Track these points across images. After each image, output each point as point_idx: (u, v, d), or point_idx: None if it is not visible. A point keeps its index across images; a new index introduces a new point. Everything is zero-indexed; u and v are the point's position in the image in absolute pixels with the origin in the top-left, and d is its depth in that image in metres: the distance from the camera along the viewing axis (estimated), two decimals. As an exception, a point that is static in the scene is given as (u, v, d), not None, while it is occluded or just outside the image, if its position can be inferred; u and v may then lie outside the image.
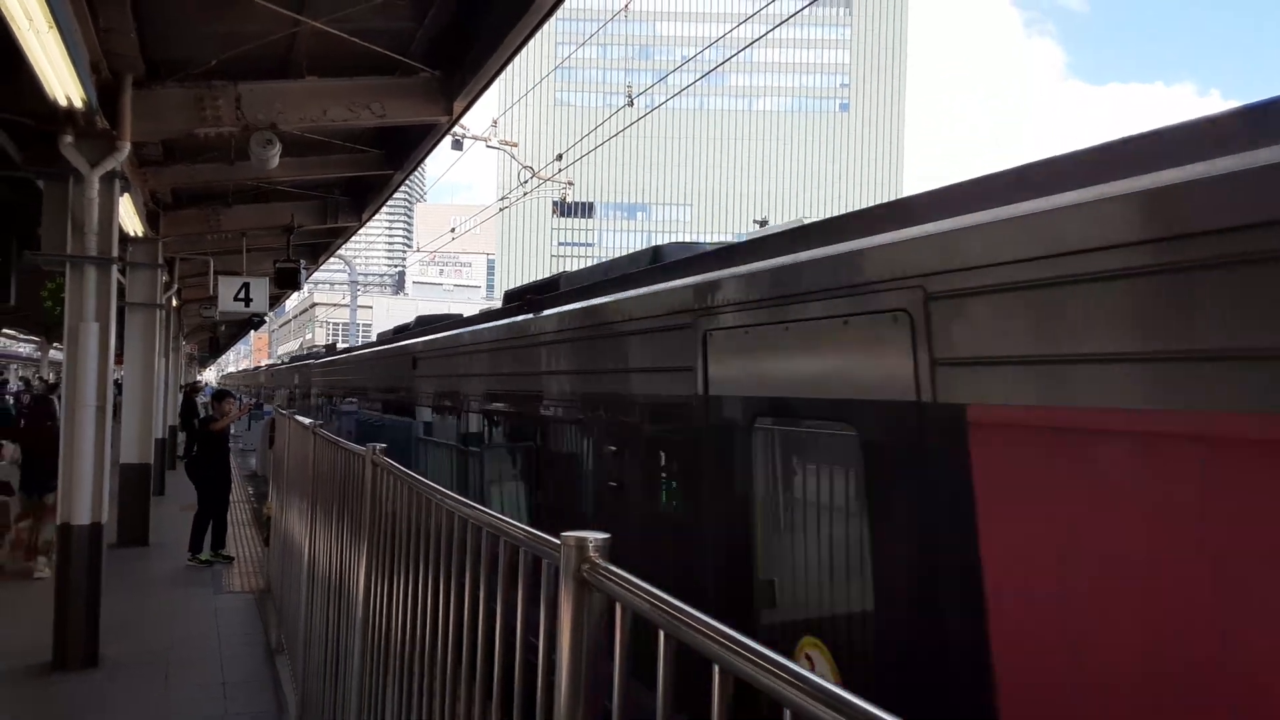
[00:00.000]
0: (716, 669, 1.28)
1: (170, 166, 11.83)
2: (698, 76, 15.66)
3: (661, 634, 1.42)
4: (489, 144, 21.43)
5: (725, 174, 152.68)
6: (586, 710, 1.71)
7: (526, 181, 19.12)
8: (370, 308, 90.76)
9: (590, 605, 1.69)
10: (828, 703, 1.04)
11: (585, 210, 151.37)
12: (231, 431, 13.62)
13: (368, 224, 17.38)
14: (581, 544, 1.70)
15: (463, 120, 17.31)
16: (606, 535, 1.72)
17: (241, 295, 15.25)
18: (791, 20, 12.96)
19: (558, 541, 1.78)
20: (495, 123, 21.57)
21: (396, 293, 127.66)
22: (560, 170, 18.23)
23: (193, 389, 30.16)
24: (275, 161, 9.61)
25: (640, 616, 1.50)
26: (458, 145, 21.51)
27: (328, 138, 11.31)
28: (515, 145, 22.14)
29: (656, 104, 18.18)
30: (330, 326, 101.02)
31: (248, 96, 8.81)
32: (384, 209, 16.30)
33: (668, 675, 1.43)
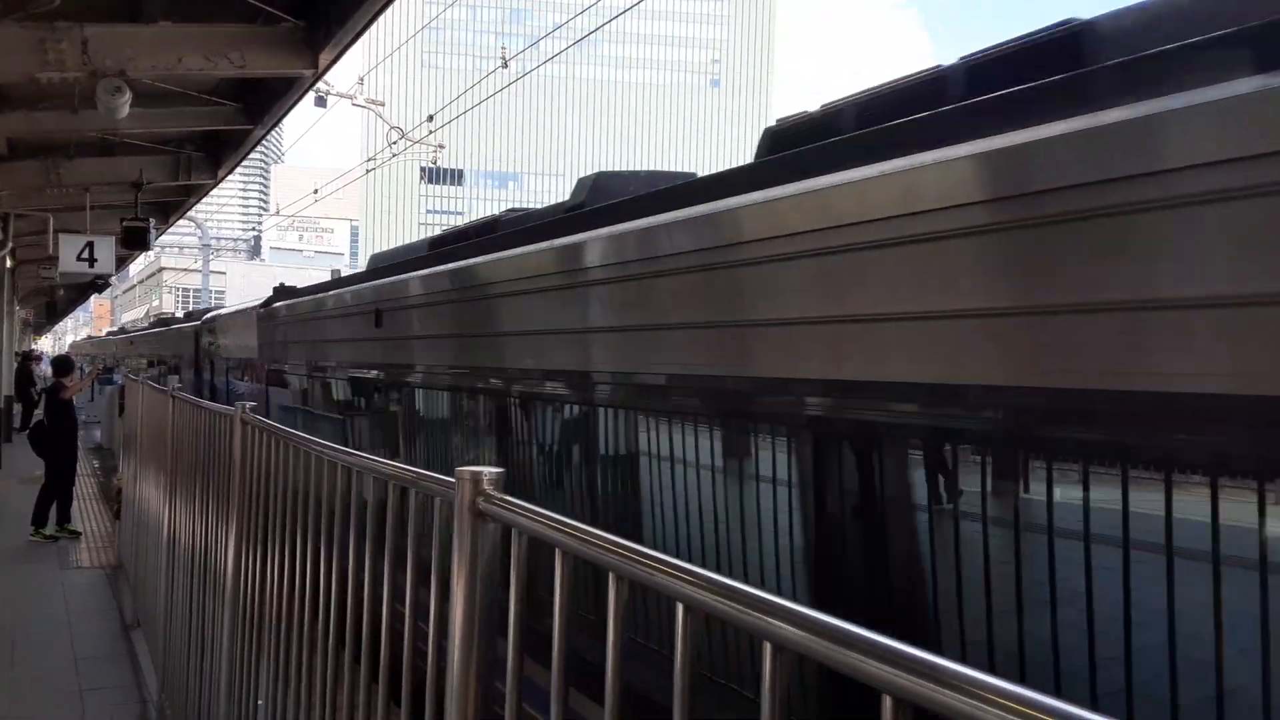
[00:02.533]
0: (611, 576, 1.33)
1: (6, 114, 10.97)
2: (570, 43, 15.53)
3: (559, 553, 1.47)
4: (355, 101, 20.71)
5: (598, 145, 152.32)
6: (482, 648, 1.74)
7: (395, 143, 18.60)
8: (224, 273, 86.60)
9: (484, 536, 1.72)
10: (720, 592, 1.12)
11: (455, 177, 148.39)
12: (74, 402, 12.86)
13: (221, 185, 16.59)
14: (476, 477, 1.72)
15: (327, 78, 16.66)
16: (500, 470, 1.74)
17: (85, 255, 14.32)
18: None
19: (451, 479, 1.79)
20: (362, 80, 20.86)
21: (252, 258, 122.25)
22: (431, 133, 17.83)
23: (28, 357, 28.21)
24: (125, 111, 9.04)
25: (536, 542, 1.54)
26: (321, 102, 20.72)
27: (182, 88, 10.71)
28: (382, 105, 21.49)
29: (529, 69, 17.96)
30: (180, 293, 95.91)
31: (95, 40, 8.26)
32: (238, 170, 15.58)
33: (565, 595, 1.47)
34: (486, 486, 1.71)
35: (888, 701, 0.91)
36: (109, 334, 51.19)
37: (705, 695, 3.25)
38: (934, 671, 0.86)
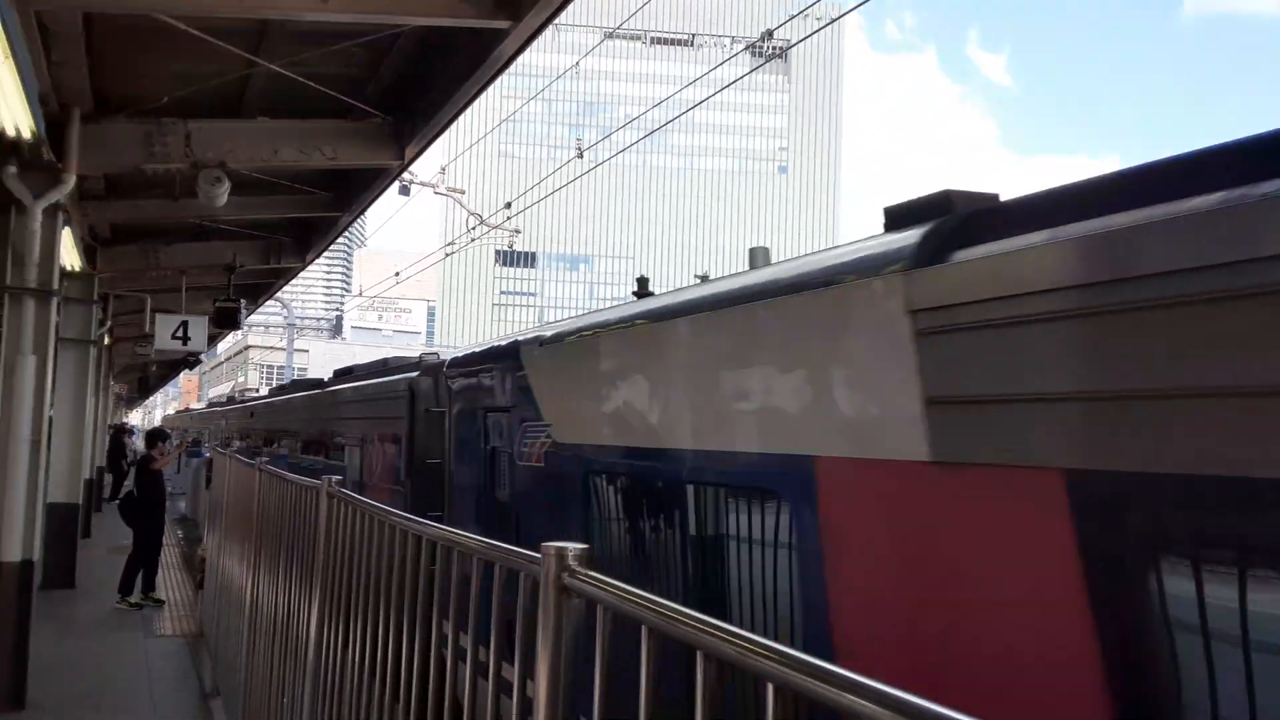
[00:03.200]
0: (700, 655, 1.38)
1: (112, 201, 11.68)
2: (642, 135, 15.99)
3: (645, 629, 1.52)
4: (436, 190, 21.51)
5: (667, 229, 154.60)
6: (566, 718, 1.79)
7: (474, 228, 19.22)
8: (306, 351, 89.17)
9: (569, 611, 1.78)
10: (814, 674, 1.14)
11: (529, 260, 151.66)
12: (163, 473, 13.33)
13: (307, 268, 17.25)
14: (562, 553, 1.79)
15: (411, 168, 17.38)
16: (584, 546, 1.81)
17: (179, 333, 14.98)
18: (733, 85, 13.35)
19: (537, 555, 1.86)
20: (443, 170, 21.69)
21: (334, 337, 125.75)
22: (508, 219, 18.38)
23: (120, 430, 29.32)
24: (223, 200, 9.56)
25: (621, 617, 1.60)
26: (405, 190, 21.55)
27: (276, 178, 11.29)
28: (462, 193, 22.28)
29: (602, 159, 18.50)
30: (264, 369, 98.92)
31: (198, 134, 8.81)
32: (323, 254, 16.23)
33: (650, 670, 1.52)
34: (572, 562, 1.78)
35: None
36: (213, 403, 41.47)
37: None
38: None
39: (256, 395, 19.95)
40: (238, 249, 14.92)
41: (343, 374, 14.24)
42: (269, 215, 13.06)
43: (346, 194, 12.03)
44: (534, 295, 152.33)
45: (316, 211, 12.70)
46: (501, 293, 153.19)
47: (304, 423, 15.10)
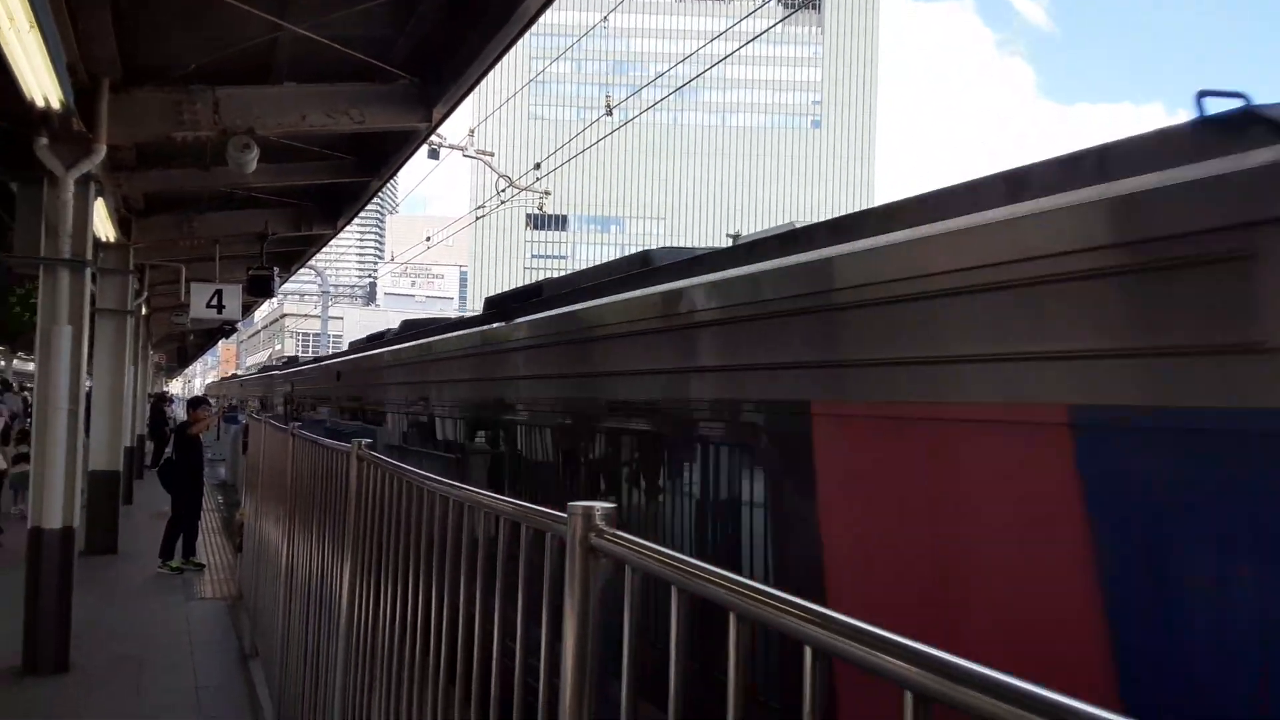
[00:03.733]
0: (733, 616, 1.32)
1: (144, 172, 11.74)
2: (671, 90, 15.78)
3: (674, 590, 1.47)
4: (466, 153, 21.43)
5: (698, 188, 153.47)
6: (593, 681, 1.75)
7: (504, 190, 19.15)
8: (341, 319, 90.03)
9: (596, 572, 1.74)
10: (853, 637, 1.09)
11: (559, 223, 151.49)
12: (201, 440, 13.52)
13: (339, 235, 17.32)
14: (589, 512, 1.74)
15: (439, 131, 17.29)
16: (612, 505, 1.76)
17: (214, 302, 15.11)
18: (764, 38, 13.11)
19: (563, 514, 1.82)
20: (472, 132, 21.61)
21: (368, 304, 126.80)
22: (538, 180, 18.30)
23: (161, 398, 29.81)
24: (253, 166, 9.57)
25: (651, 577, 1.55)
26: (434, 154, 21.49)
27: (305, 144, 11.28)
28: (492, 155, 22.17)
29: (631, 117, 18.31)
30: (300, 337, 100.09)
31: (226, 101, 8.79)
32: (355, 221, 16.25)
33: (681, 631, 1.47)
34: (599, 522, 1.73)
35: None
36: (269, 367, 33.08)
37: None
38: None
39: (337, 353, 16.07)
40: (269, 217, 14.98)
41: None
42: (299, 182, 13.06)
43: (375, 158, 12.00)
44: (565, 258, 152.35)
45: (346, 176, 12.69)
46: (533, 256, 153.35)
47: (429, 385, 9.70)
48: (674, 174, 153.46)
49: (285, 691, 5.87)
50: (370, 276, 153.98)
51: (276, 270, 16.50)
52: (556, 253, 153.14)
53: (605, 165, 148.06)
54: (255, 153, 9.36)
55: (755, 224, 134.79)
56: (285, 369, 18.35)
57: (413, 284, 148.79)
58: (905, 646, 1.01)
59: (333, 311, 60.25)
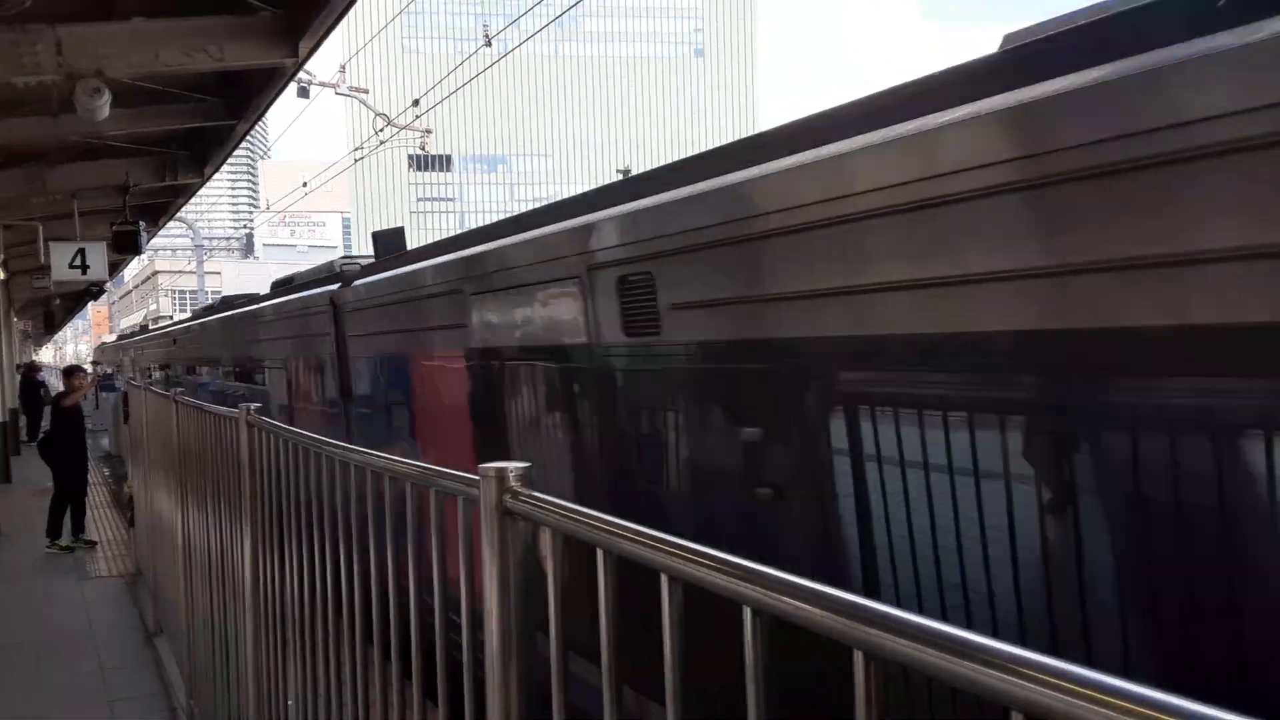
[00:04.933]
0: (664, 578, 1.24)
1: (-17, 124, 10.82)
2: (550, 19, 15.33)
3: (600, 554, 1.38)
4: (338, 90, 20.43)
5: (583, 123, 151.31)
6: (520, 649, 1.65)
7: (381, 130, 18.37)
8: (219, 273, 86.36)
9: (514, 535, 1.63)
10: (795, 595, 1.02)
11: (443, 164, 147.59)
12: (81, 409, 12.80)
13: (209, 185, 16.40)
14: (502, 474, 1.62)
15: (308, 67, 16.42)
16: (527, 464, 1.65)
17: (78, 262, 14.19)
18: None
19: (475, 477, 1.70)
20: (343, 69, 20.59)
21: (246, 256, 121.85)
22: (417, 118, 17.59)
23: (31, 368, 28.16)
24: (105, 113, 8.88)
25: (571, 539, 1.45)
26: (304, 93, 20.44)
27: (162, 86, 10.54)
28: (366, 92, 21.19)
29: (511, 48, 17.72)
30: (176, 295, 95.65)
31: (69, 41, 8.09)
32: (225, 168, 15.40)
33: (611, 598, 1.38)
34: (514, 483, 1.62)
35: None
36: (129, 333, 34.11)
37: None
38: (1075, 681, 0.74)
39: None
40: (130, 167, 14.07)
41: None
42: (160, 127, 12.27)
43: (240, 99, 11.32)
44: (453, 200, 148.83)
45: (210, 120, 11.96)
46: (419, 199, 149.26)
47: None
48: (559, 109, 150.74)
49: (195, 667, 5.65)
50: (246, 227, 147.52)
51: (143, 225, 15.55)
52: (443, 194, 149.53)
53: (488, 101, 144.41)
54: (107, 97, 8.67)
55: (642, 157, 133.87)
56: (202, 318, 14.87)
57: (293, 233, 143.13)
58: (843, 601, 0.95)
59: (209, 266, 57.61)
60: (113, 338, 53.55)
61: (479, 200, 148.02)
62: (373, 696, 2.55)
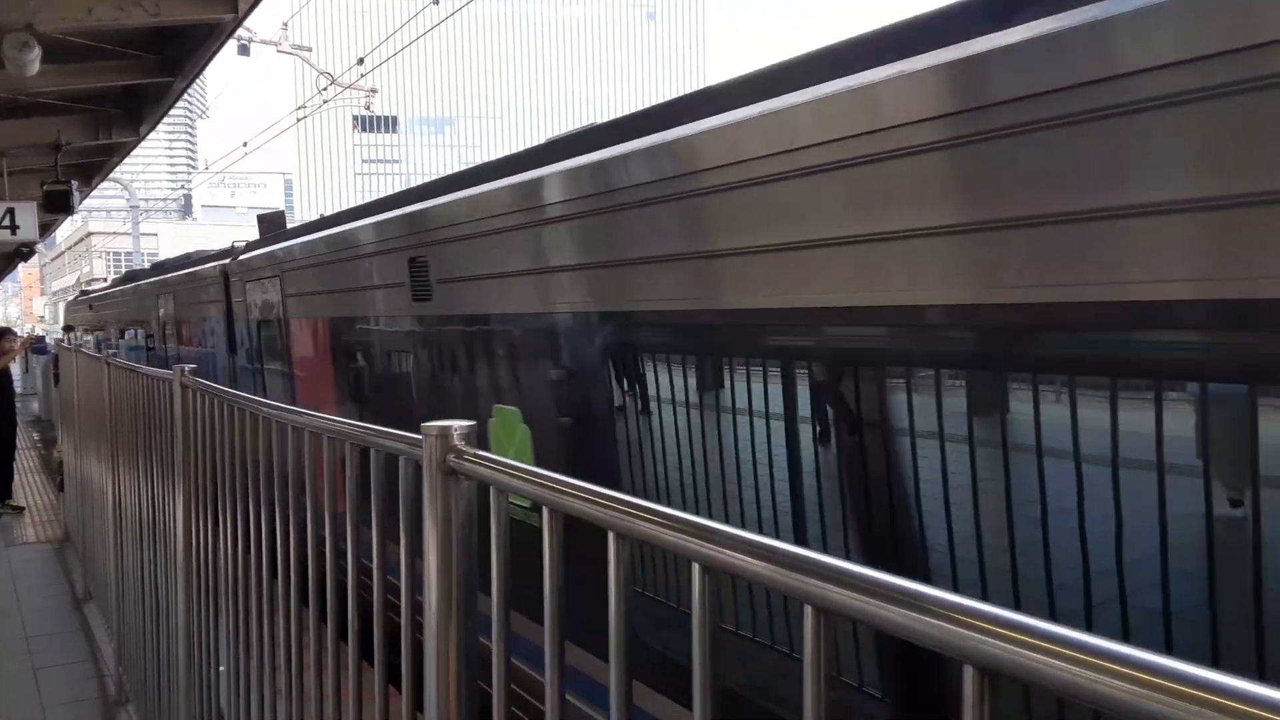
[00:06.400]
0: (612, 535, 1.23)
1: (-97, 75, 10.32)
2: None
3: (546, 511, 1.36)
4: (280, 48, 19.83)
5: (534, 84, 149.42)
6: (460, 614, 1.63)
7: (325, 89, 17.91)
8: (155, 235, 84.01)
9: (458, 496, 1.60)
10: (746, 550, 1.01)
11: (389, 125, 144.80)
12: (10, 374, 12.41)
13: (146, 143, 15.88)
14: (445, 432, 1.60)
15: (249, 24, 15.94)
16: (472, 423, 1.62)
17: (6, 222, 13.68)
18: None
19: (417, 436, 1.67)
20: (286, 26, 19.99)
21: (184, 218, 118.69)
22: (362, 77, 17.18)
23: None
24: (35, 69, 8.56)
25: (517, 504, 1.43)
26: (244, 50, 19.81)
27: (95, 41, 10.15)
28: (309, 50, 20.61)
29: (459, 6, 17.35)
30: (110, 257, 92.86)
31: (-5, -10, 7.75)
32: (163, 126, 14.91)
33: (556, 553, 1.37)
34: (457, 442, 1.59)
35: (969, 672, 0.79)
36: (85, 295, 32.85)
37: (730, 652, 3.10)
38: (1015, 628, 0.74)
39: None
40: (62, 125, 13.55)
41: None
42: (93, 84, 11.83)
43: (177, 56, 10.95)
44: (399, 162, 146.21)
45: (145, 77, 11.55)
46: (364, 161, 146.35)
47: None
48: (510, 70, 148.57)
49: (125, 633, 5.53)
50: (184, 188, 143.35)
51: (75, 184, 15.03)
52: (389, 156, 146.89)
53: (437, 62, 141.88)
54: (37, 52, 8.35)
55: (593, 119, 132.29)
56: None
57: (233, 194, 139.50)
58: (811, 560, 0.94)
59: (146, 227, 56.03)
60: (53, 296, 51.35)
61: (425, 163, 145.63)
62: (307, 661, 2.51)
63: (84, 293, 26.84)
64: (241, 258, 9.07)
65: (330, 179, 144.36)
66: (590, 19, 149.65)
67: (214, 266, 10.12)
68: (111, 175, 20.09)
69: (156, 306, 14.00)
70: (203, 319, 10.94)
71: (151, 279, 14.75)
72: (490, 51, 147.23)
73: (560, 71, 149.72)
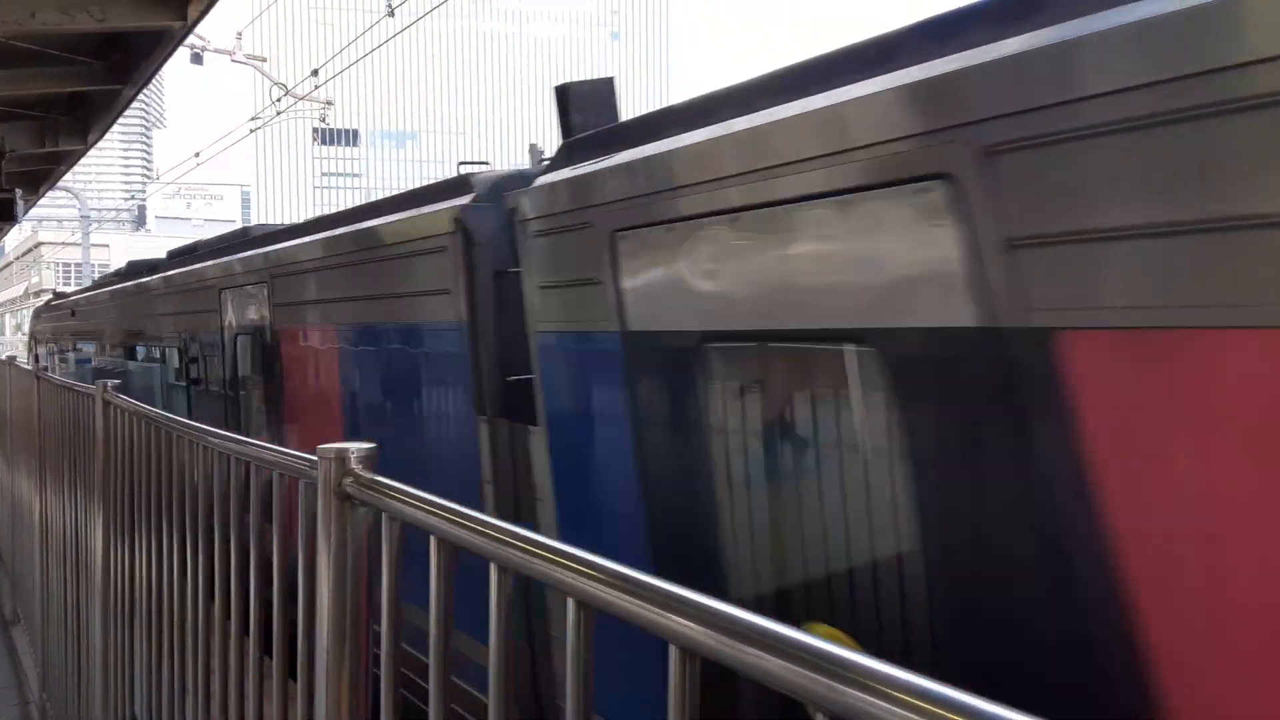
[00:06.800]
0: (494, 566, 1.16)
1: None
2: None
3: (433, 540, 1.29)
4: (234, 58, 19.58)
5: (499, 101, 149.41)
6: (354, 638, 1.55)
7: (279, 100, 17.68)
8: (107, 246, 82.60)
9: (354, 521, 1.53)
10: (621, 587, 0.96)
11: (350, 138, 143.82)
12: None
13: (99, 151, 15.60)
14: (342, 455, 1.52)
15: (203, 32, 15.72)
16: (371, 445, 1.55)
17: (-56, 230, 13.31)
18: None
19: (313, 457, 1.59)
20: (240, 35, 19.75)
21: (138, 229, 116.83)
22: (317, 88, 16.99)
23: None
24: (-27, 71, 8.33)
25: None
26: (197, 59, 19.52)
27: (41, 46, 9.93)
28: (264, 61, 20.37)
29: (416, 19, 17.27)
30: (60, 269, 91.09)
31: (-71, -9, 7.54)
32: (118, 134, 14.64)
33: (444, 585, 1.30)
34: (354, 466, 1.52)
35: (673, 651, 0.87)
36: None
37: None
38: (875, 679, 0.71)
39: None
40: (6, 131, 13.23)
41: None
42: (39, 90, 11.57)
43: (125, 63, 10.73)
44: (359, 176, 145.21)
45: (93, 84, 11.31)
46: (323, 174, 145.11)
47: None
48: (474, 86, 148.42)
49: (49, 658, 5.34)
50: (138, 198, 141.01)
51: (20, 193, 14.70)
52: (350, 170, 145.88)
53: (400, 76, 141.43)
54: (-26, 55, 8.14)
55: (556, 136, 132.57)
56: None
57: (188, 205, 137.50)
58: (680, 598, 0.89)
59: (97, 239, 55.07)
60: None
61: (387, 177, 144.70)
62: (213, 689, 2.41)
63: (59, 295, 20.66)
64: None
65: (289, 191, 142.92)
66: (555, 39, 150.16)
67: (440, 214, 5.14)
68: (62, 184, 19.68)
69: (223, 306, 8.67)
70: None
71: (209, 261, 9.41)
72: (455, 68, 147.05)
73: (525, 89, 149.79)
